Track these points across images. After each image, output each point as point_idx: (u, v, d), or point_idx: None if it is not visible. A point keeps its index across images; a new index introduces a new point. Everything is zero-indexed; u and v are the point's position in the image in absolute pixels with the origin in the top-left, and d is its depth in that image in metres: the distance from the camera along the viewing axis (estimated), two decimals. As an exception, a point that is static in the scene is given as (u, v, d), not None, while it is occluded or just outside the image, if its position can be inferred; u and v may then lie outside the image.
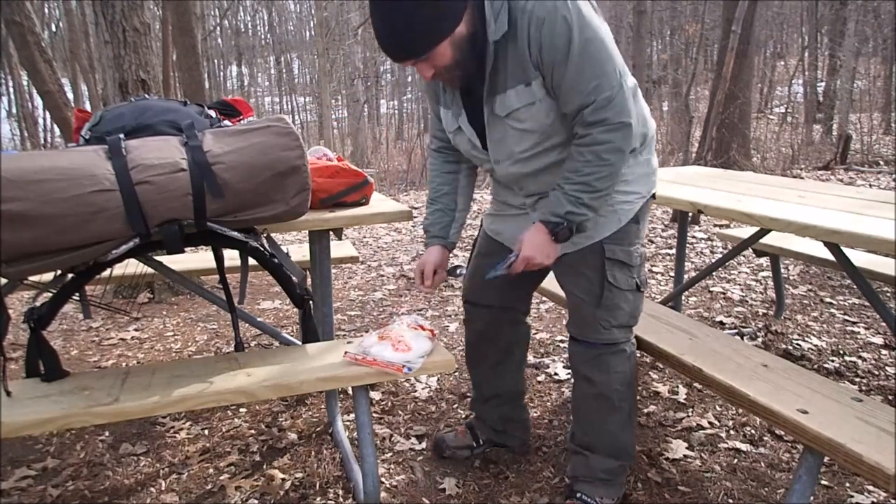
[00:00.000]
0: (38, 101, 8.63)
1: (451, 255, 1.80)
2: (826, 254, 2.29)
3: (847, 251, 2.16)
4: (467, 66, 1.48)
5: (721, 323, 3.15)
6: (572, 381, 1.78)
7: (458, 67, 1.48)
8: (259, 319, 2.41)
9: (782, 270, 3.58)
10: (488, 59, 1.47)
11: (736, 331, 3.02)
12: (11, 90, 14.53)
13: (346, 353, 1.60)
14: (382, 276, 4.33)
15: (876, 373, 2.55)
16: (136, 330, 3.33)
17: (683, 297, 3.34)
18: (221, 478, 1.94)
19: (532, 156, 1.55)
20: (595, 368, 1.66)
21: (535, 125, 1.50)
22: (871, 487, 1.80)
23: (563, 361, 2.62)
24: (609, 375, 1.65)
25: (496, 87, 1.50)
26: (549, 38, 1.39)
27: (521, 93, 1.47)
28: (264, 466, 1.99)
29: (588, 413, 1.72)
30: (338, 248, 2.77)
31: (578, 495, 1.70)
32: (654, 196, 1.70)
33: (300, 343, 1.86)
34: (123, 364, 2.89)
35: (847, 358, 2.68)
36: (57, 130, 8.12)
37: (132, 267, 2.19)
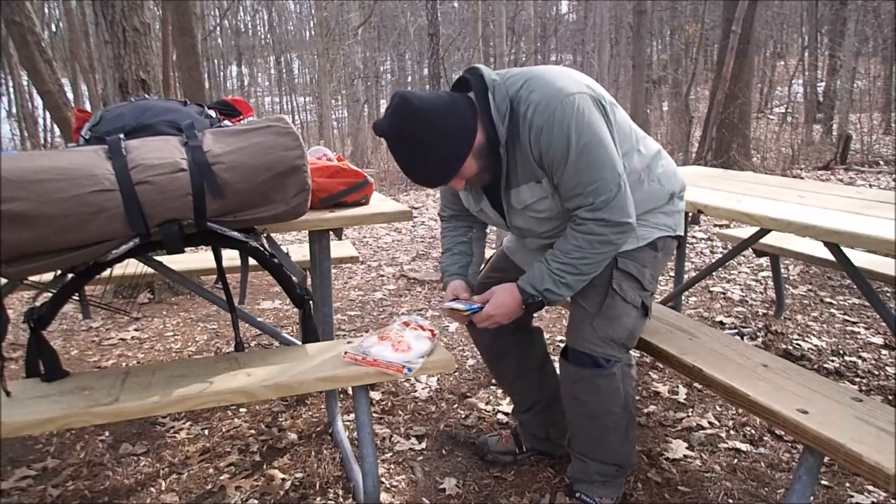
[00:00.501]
0: (38, 101, 8.63)
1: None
2: (826, 254, 2.29)
3: (847, 251, 2.16)
4: (495, 170, 1.55)
5: (721, 323, 3.15)
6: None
7: (485, 171, 1.54)
8: (259, 319, 2.41)
9: (782, 270, 3.58)
10: (501, 158, 1.53)
11: (736, 331, 3.02)
12: (11, 90, 14.53)
13: (345, 353, 1.60)
14: (382, 276, 4.33)
15: (876, 373, 2.55)
16: (136, 330, 3.33)
17: (683, 297, 3.34)
18: (221, 478, 1.94)
19: (558, 233, 1.61)
20: (585, 390, 1.60)
21: (553, 213, 1.57)
22: (871, 487, 1.80)
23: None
24: (600, 398, 1.59)
25: (511, 182, 1.56)
26: (546, 145, 1.44)
27: (533, 189, 1.54)
28: (264, 466, 1.99)
29: (582, 430, 1.67)
30: (338, 248, 2.77)
31: (578, 495, 1.70)
32: (679, 240, 1.76)
33: (300, 343, 1.86)
34: (123, 364, 2.89)
35: (847, 358, 2.68)
36: (57, 130, 8.12)
37: (132, 267, 2.19)
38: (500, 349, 1.88)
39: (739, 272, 4.00)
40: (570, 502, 1.71)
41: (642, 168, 1.62)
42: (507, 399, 2.34)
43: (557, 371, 1.76)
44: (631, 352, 1.65)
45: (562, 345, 1.62)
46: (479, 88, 1.50)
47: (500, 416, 2.27)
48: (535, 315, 1.91)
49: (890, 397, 2.34)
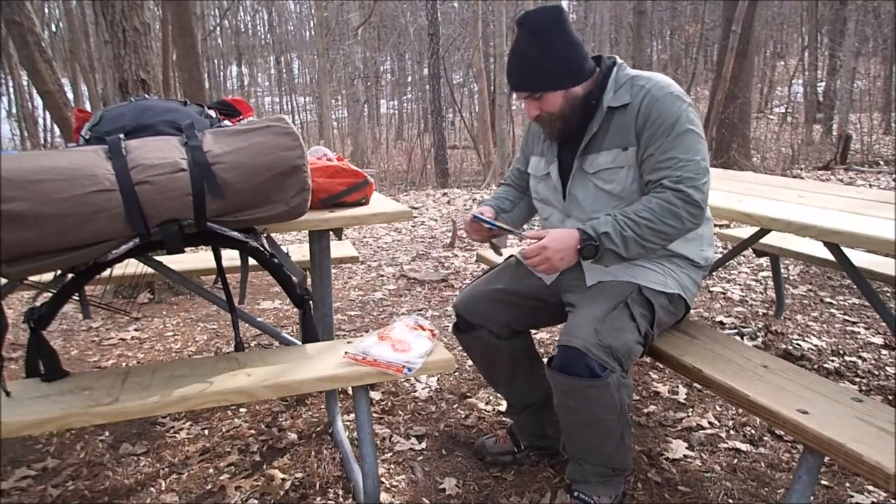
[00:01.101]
0: (38, 101, 8.63)
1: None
2: (826, 254, 2.29)
3: (847, 251, 2.16)
4: (569, 122, 1.67)
5: (721, 323, 3.15)
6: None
7: (561, 120, 1.66)
8: (259, 319, 2.41)
9: (782, 270, 3.58)
10: (595, 121, 1.65)
11: (736, 331, 3.02)
12: (11, 90, 14.55)
13: (346, 353, 1.60)
14: (382, 276, 4.33)
15: (876, 373, 2.55)
16: (136, 330, 3.33)
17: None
18: (221, 478, 1.94)
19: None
20: (579, 400, 1.54)
21: (616, 188, 1.64)
22: (871, 487, 1.80)
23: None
24: (594, 408, 1.54)
25: (592, 147, 1.66)
26: (657, 113, 1.58)
27: (615, 155, 1.63)
28: (264, 466, 1.99)
29: (576, 436, 1.64)
30: (338, 248, 2.77)
31: (576, 494, 1.69)
32: (688, 308, 1.80)
33: (300, 343, 1.86)
34: (123, 364, 2.89)
35: (847, 358, 2.68)
36: (57, 130, 8.12)
37: (132, 267, 2.20)
38: (492, 356, 1.86)
39: (739, 272, 4.00)
40: (569, 502, 1.71)
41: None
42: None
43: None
44: (627, 368, 1.59)
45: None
46: (608, 63, 1.68)
47: (500, 416, 2.27)
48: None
49: (890, 397, 2.34)
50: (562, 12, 1.61)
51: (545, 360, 1.66)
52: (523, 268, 1.84)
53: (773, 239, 2.70)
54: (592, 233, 1.55)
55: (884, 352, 2.74)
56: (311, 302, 1.79)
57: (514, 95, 1.71)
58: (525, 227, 1.97)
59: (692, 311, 3.29)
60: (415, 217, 6.52)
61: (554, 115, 1.65)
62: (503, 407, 2.31)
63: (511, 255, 1.98)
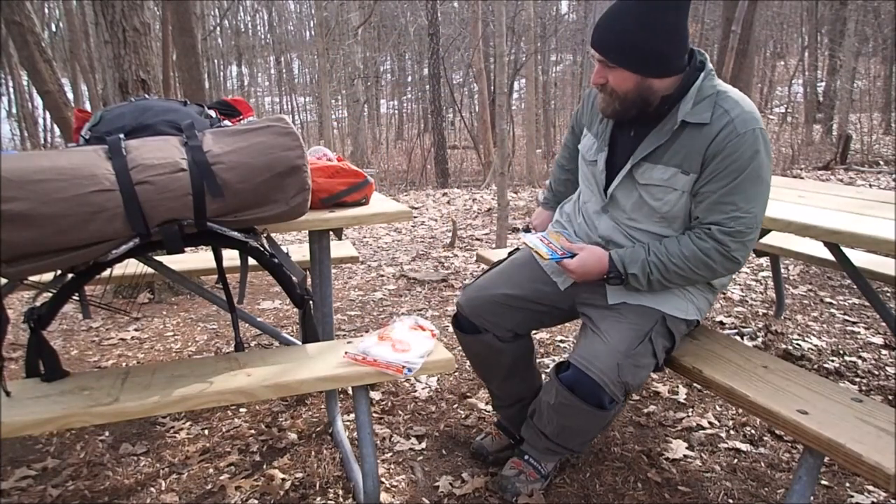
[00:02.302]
0: (38, 101, 8.63)
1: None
2: (826, 254, 2.29)
3: (847, 251, 2.16)
4: (629, 109, 1.52)
5: (721, 323, 3.15)
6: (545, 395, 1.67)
7: (622, 103, 1.51)
8: (259, 319, 2.41)
9: (782, 270, 3.58)
10: (664, 131, 1.51)
11: (736, 331, 3.02)
12: (11, 90, 14.54)
13: (346, 353, 1.60)
14: (382, 276, 4.33)
15: (876, 373, 2.55)
16: (136, 330, 3.33)
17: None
18: (221, 478, 1.94)
19: (637, 228, 1.61)
20: (572, 414, 1.58)
21: (663, 207, 1.54)
22: (871, 487, 1.80)
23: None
24: (584, 424, 1.60)
25: (651, 157, 1.54)
26: (733, 149, 1.44)
27: (672, 175, 1.51)
28: (264, 466, 1.99)
29: (552, 427, 1.66)
30: (338, 248, 2.77)
31: (526, 458, 1.77)
32: (698, 323, 1.78)
33: (300, 343, 1.86)
34: (123, 364, 2.89)
35: (847, 358, 2.68)
36: (57, 130, 8.12)
37: (132, 267, 2.19)
38: (493, 359, 1.85)
39: (739, 272, 4.00)
40: (516, 462, 1.77)
41: None
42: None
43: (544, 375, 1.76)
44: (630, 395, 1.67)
45: (562, 345, 1.63)
46: (696, 66, 1.51)
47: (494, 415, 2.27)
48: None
49: (890, 397, 2.34)
50: None
51: (549, 362, 1.67)
52: (533, 270, 1.80)
53: (773, 239, 2.70)
54: (621, 269, 1.55)
55: (884, 352, 2.73)
56: (311, 302, 1.79)
57: (591, 51, 1.53)
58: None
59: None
60: (415, 217, 6.52)
61: (618, 94, 1.50)
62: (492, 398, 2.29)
63: (516, 249, 1.97)
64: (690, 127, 1.48)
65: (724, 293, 3.57)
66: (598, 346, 1.55)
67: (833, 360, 2.65)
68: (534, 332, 1.96)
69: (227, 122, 1.72)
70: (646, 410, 2.27)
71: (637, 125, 1.57)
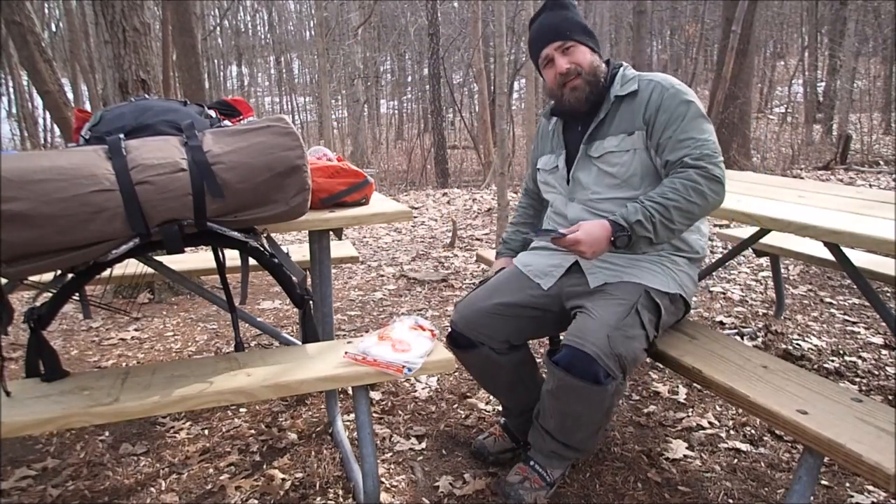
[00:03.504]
0: (38, 101, 8.63)
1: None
2: (826, 254, 2.29)
3: (847, 251, 2.16)
4: (593, 86, 1.74)
5: (721, 323, 3.15)
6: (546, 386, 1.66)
7: (587, 80, 1.74)
8: (259, 319, 2.41)
9: (782, 270, 3.58)
10: (602, 109, 1.75)
11: (736, 331, 3.02)
12: (11, 90, 14.54)
13: (346, 353, 1.60)
14: (382, 276, 4.33)
15: (876, 373, 2.55)
16: (136, 330, 3.33)
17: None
18: (221, 478, 1.94)
19: (601, 199, 1.73)
20: (572, 397, 1.56)
21: (620, 171, 1.71)
22: (871, 487, 1.80)
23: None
24: (585, 406, 1.56)
25: (598, 133, 1.76)
26: (669, 100, 1.67)
27: (621, 140, 1.71)
28: (264, 466, 1.99)
29: (554, 417, 1.65)
30: (338, 248, 2.77)
31: (532, 463, 1.73)
32: (688, 307, 1.83)
33: (300, 343, 1.86)
34: (123, 364, 2.89)
35: (847, 358, 2.68)
36: (57, 130, 8.12)
37: (132, 267, 2.20)
38: (493, 372, 1.85)
39: (739, 272, 4.00)
40: (522, 468, 1.74)
41: None
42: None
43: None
44: (629, 375, 1.62)
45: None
46: (615, 64, 1.81)
47: (500, 416, 2.27)
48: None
49: (890, 397, 2.34)
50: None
51: (543, 351, 1.68)
52: (519, 279, 1.85)
53: (773, 239, 2.70)
54: (624, 223, 1.59)
55: (884, 352, 2.73)
56: (311, 302, 1.79)
57: (543, 54, 1.77)
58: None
59: (692, 312, 3.29)
60: (415, 217, 6.52)
61: (583, 70, 1.73)
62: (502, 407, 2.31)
63: (502, 268, 1.98)
64: (624, 99, 1.73)
65: (723, 293, 3.58)
66: (588, 322, 1.58)
67: (833, 360, 2.65)
68: (530, 341, 1.95)
69: (227, 122, 1.72)
70: (646, 410, 2.27)
71: (581, 121, 1.79)
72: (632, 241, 1.60)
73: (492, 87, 11.06)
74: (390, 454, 2.05)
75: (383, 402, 2.40)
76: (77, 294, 1.66)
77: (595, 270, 1.71)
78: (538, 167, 1.95)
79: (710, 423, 2.18)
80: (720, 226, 4.86)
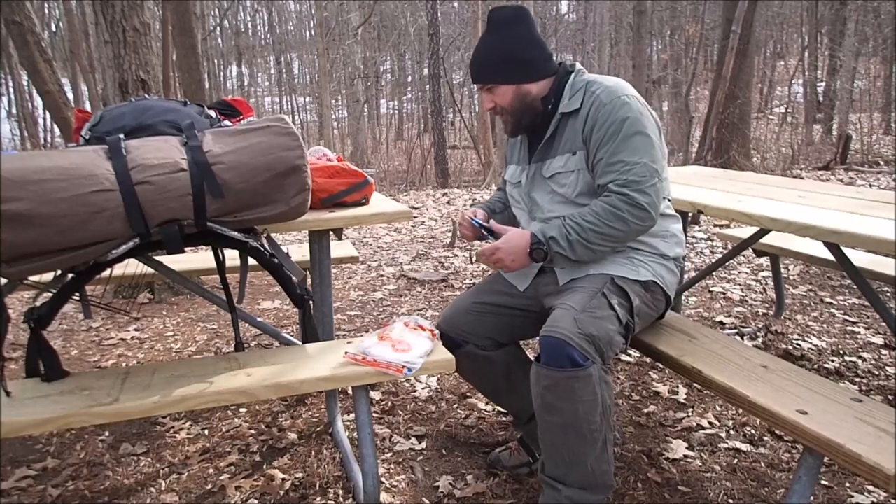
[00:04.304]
0: (38, 101, 8.63)
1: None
2: (826, 254, 2.29)
3: (847, 251, 2.16)
4: (520, 118, 1.73)
5: (721, 323, 3.15)
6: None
7: (512, 115, 1.73)
8: (259, 319, 2.41)
9: (782, 270, 3.58)
10: (550, 127, 1.71)
11: (736, 331, 3.02)
12: (11, 90, 14.54)
13: (346, 353, 1.60)
14: (382, 276, 4.33)
15: (876, 373, 2.55)
16: (136, 330, 3.33)
17: (683, 297, 3.34)
18: (221, 478, 1.94)
19: (556, 218, 1.69)
20: (560, 397, 1.47)
21: (568, 191, 1.69)
22: (871, 487, 1.80)
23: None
24: (576, 404, 1.46)
25: (548, 152, 1.73)
26: (603, 118, 1.61)
27: (567, 160, 1.68)
28: (264, 466, 1.99)
29: (556, 445, 1.52)
30: (338, 248, 2.77)
31: None
32: (668, 300, 1.78)
33: (300, 343, 1.86)
34: (123, 364, 2.90)
35: (847, 358, 2.68)
36: (57, 130, 8.12)
37: (132, 267, 2.20)
38: (483, 369, 1.85)
39: (739, 272, 4.00)
40: None
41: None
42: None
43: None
44: (609, 361, 1.55)
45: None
46: (566, 70, 1.74)
47: (500, 416, 2.27)
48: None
49: (890, 397, 2.34)
50: (523, 11, 1.72)
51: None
52: (497, 280, 1.87)
53: (773, 239, 2.70)
54: (541, 237, 1.62)
55: (884, 352, 2.74)
56: (311, 302, 1.79)
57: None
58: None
59: (692, 312, 3.29)
60: (415, 217, 6.52)
61: (505, 108, 1.72)
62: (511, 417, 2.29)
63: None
64: (569, 116, 1.68)
65: (723, 293, 3.58)
66: (557, 313, 1.57)
67: (833, 360, 2.65)
68: (522, 342, 1.94)
69: (227, 122, 1.72)
70: (646, 410, 2.27)
71: (539, 135, 1.75)
72: (548, 256, 1.62)
73: (492, 87, 11.04)
74: (390, 454, 2.05)
75: (383, 402, 2.40)
76: (77, 294, 1.66)
77: (564, 268, 1.72)
78: (506, 179, 1.92)
79: (710, 423, 2.18)
80: (720, 226, 4.87)
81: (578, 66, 1.75)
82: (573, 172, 1.67)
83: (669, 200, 1.77)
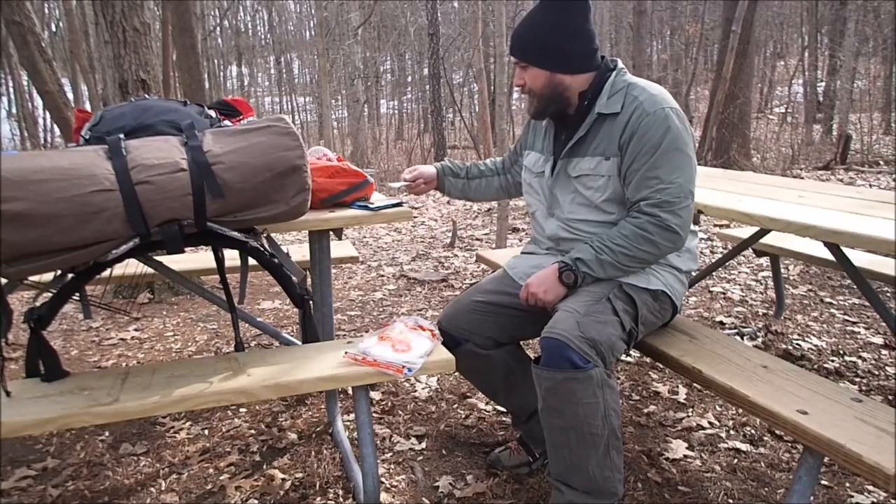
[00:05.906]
0: (38, 101, 8.62)
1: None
2: (826, 254, 2.29)
3: (847, 251, 2.16)
4: (546, 105, 1.69)
5: (721, 323, 3.15)
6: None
7: (539, 100, 1.69)
8: (259, 319, 2.41)
9: (782, 270, 3.58)
10: (584, 125, 1.65)
11: (736, 331, 3.02)
12: (11, 90, 14.53)
13: (346, 353, 1.60)
14: (382, 276, 4.33)
15: (876, 373, 2.55)
16: (136, 330, 3.33)
17: (683, 297, 3.34)
18: (221, 478, 1.94)
19: (577, 220, 1.70)
20: (560, 398, 1.47)
21: (594, 195, 1.66)
22: (871, 487, 1.80)
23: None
24: (576, 406, 1.45)
25: (578, 150, 1.68)
26: (645, 128, 1.57)
27: (598, 163, 1.64)
28: (264, 466, 1.99)
29: (558, 446, 1.52)
30: (338, 248, 2.77)
31: None
32: (675, 309, 1.79)
33: (300, 343, 1.86)
34: (123, 364, 2.89)
35: (847, 358, 2.68)
36: (57, 130, 8.12)
37: (132, 267, 2.19)
38: (483, 368, 1.84)
39: (739, 272, 4.00)
40: None
41: None
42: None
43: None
44: (610, 366, 1.54)
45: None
46: (609, 66, 1.68)
47: (500, 416, 2.27)
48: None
49: (890, 397, 2.34)
50: (585, 1, 1.64)
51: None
52: (501, 279, 1.86)
53: (773, 239, 2.70)
54: (569, 261, 1.60)
55: (884, 352, 2.74)
56: (311, 302, 1.79)
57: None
58: (399, 186, 2.08)
59: (692, 312, 3.29)
60: (415, 217, 6.52)
61: (535, 91, 1.68)
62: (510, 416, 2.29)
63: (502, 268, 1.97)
64: (606, 118, 1.63)
65: (723, 293, 3.58)
66: (559, 314, 1.56)
67: (833, 360, 2.65)
68: (523, 342, 1.94)
69: (227, 122, 1.72)
70: (646, 410, 2.27)
71: (569, 129, 1.70)
72: (577, 278, 1.61)
73: (492, 87, 11.06)
74: (390, 454, 2.05)
75: (383, 402, 2.40)
76: (77, 294, 1.66)
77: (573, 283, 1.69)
78: (526, 165, 1.88)
79: (710, 423, 2.18)
80: (720, 226, 4.86)
81: (620, 63, 1.69)
82: (603, 178, 1.63)
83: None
